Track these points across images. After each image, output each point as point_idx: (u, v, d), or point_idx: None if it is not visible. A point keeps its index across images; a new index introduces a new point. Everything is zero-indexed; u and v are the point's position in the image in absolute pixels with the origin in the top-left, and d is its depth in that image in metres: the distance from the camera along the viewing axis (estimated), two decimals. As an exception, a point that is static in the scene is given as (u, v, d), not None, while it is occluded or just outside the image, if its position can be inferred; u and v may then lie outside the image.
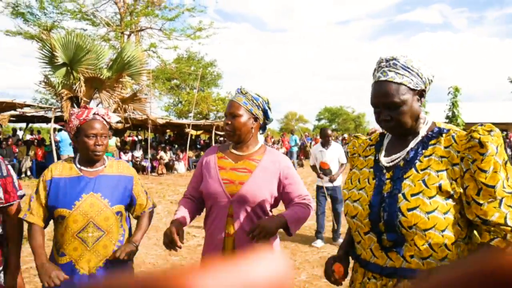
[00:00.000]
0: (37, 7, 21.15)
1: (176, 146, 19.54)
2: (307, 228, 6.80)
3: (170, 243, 2.00)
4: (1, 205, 2.27)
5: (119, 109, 12.27)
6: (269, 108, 2.24)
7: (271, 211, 2.24)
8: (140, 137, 23.79)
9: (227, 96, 30.76)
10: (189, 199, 2.38)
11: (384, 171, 1.65)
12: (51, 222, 2.36)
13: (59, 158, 12.82)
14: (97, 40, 20.45)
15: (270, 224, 1.94)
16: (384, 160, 1.68)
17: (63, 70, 12.83)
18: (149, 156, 16.18)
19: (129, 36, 22.94)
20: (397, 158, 1.63)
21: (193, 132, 20.13)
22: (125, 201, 2.32)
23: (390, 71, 1.54)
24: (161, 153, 16.78)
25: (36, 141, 16.92)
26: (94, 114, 2.25)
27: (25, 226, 2.36)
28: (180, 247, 2.01)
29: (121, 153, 15.80)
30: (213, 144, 18.51)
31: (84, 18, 22.58)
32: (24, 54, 71.33)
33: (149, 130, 17.01)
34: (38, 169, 14.91)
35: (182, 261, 5.16)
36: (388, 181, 1.61)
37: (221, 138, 23.09)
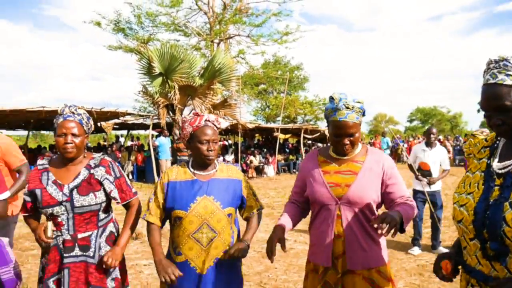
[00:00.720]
0: (135, 22, 22.73)
1: (265, 150, 19.78)
2: (403, 234, 6.46)
3: (270, 251, 2.08)
4: (123, 203, 2.49)
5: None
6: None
7: (377, 211, 2.23)
8: (230, 142, 24.47)
9: (315, 99, 30.55)
10: (294, 203, 2.45)
11: (495, 176, 1.57)
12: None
13: (157, 162, 13.58)
14: (189, 49, 21.43)
15: (396, 215, 1.88)
16: (496, 166, 1.59)
17: (160, 79, 13.59)
18: (240, 160, 16.57)
19: (218, 44, 23.74)
20: (510, 165, 1.54)
21: (282, 136, 20.25)
22: (235, 203, 2.40)
23: (500, 73, 1.48)
24: (251, 157, 17.10)
25: (136, 147, 18.14)
26: (206, 120, 2.36)
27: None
28: (284, 251, 2.13)
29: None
30: (302, 147, 18.47)
31: (176, 30, 23.80)
32: (124, 67, 77.08)
33: (239, 135, 17.42)
34: (139, 172, 15.96)
35: (276, 264, 5.16)
36: (497, 188, 1.53)
37: (309, 142, 22.95)
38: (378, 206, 2.24)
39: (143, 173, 15.73)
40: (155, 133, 16.58)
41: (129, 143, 21.68)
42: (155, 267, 2.25)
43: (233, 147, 20.15)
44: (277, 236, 2.12)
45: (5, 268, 2.44)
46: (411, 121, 60.89)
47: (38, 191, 2.35)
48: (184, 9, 23.39)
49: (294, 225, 2.34)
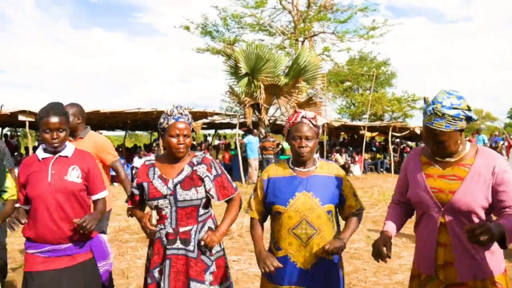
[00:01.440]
0: (222, 25, 23.44)
1: (351, 148, 19.35)
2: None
3: (377, 255, 2.03)
4: (224, 199, 2.57)
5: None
6: (470, 110, 1.93)
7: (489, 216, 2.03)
8: (314, 140, 24.22)
9: (403, 96, 29.27)
10: (397, 204, 2.35)
11: None
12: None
13: (244, 160, 13.84)
14: (274, 49, 21.62)
15: (494, 228, 1.70)
16: None
17: (245, 79, 13.87)
18: (325, 158, 16.32)
19: (303, 42, 23.67)
20: None
21: (368, 134, 19.67)
22: (335, 200, 2.38)
23: None
24: (336, 156, 16.81)
25: (223, 145, 18.71)
26: (302, 117, 2.36)
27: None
28: (389, 257, 2.03)
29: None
30: (390, 146, 17.77)
31: (261, 30, 24.16)
32: (210, 69, 79.86)
33: (324, 133, 17.22)
34: (226, 170, 16.38)
35: (365, 265, 5.01)
36: None
37: (397, 140, 22.03)
38: (488, 213, 2.01)
39: (230, 171, 16.10)
40: (241, 132, 16.94)
41: (216, 142, 22.42)
42: (256, 258, 2.32)
43: (318, 146, 19.95)
44: (384, 240, 2.05)
45: (103, 262, 2.70)
46: (511, 117, 55.95)
47: (145, 184, 2.51)
48: (268, 9, 23.65)
49: (398, 229, 2.24)
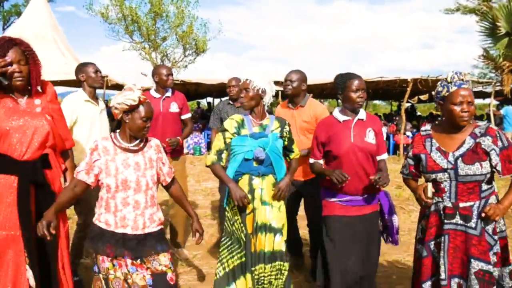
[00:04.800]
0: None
1: None
2: None
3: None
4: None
5: None
6: None
7: None
8: None
9: None
10: None
11: None
12: None
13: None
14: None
15: None
16: None
17: (505, 40, 11.95)
18: None
19: None
20: None
21: None
22: None
23: None
24: None
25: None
26: None
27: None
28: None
29: None
30: None
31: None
32: (458, 31, 72.28)
33: None
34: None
35: None
36: None
37: None
38: None
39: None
40: (496, 102, 14.89)
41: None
42: None
43: None
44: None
45: (391, 216, 2.94)
46: None
47: (423, 156, 2.47)
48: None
49: None
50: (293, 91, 3.68)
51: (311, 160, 3.01)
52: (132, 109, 2.33)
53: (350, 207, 2.84)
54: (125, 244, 2.33)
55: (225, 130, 2.83)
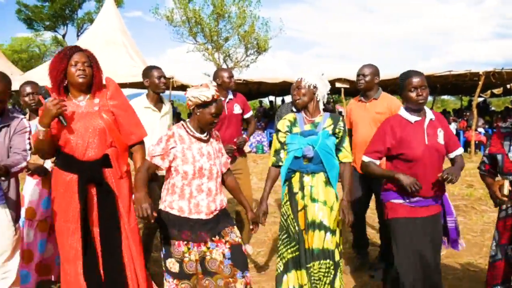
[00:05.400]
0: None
1: None
2: None
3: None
4: None
5: None
6: None
7: None
8: None
9: None
10: None
11: None
12: None
13: None
14: None
15: None
16: None
17: None
18: None
19: None
20: None
21: None
22: None
23: None
24: None
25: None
26: None
27: None
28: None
29: None
30: None
31: None
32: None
33: None
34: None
35: None
36: None
37: None
38: None
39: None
40: None
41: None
42: None
43: None
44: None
45: (451, 217, 2.78)
46: None
47: (499, 156, 2.42)
48: None
49: None
50: (366, 85, 3.71)
51: (366, 159, 2.79)
52: (205, 104, 2.47)
53: (418, 208, 2.68)
54: (201, 227, 2.51)
55: (278, 130, 2.91)
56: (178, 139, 2.51)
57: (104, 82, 2.71)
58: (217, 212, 2.58)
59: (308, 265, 2.72)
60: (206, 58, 22.24)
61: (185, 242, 2.50)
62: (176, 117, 14.96)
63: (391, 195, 2.74)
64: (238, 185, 2.85)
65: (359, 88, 3.77)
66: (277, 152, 2.90)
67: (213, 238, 2.54)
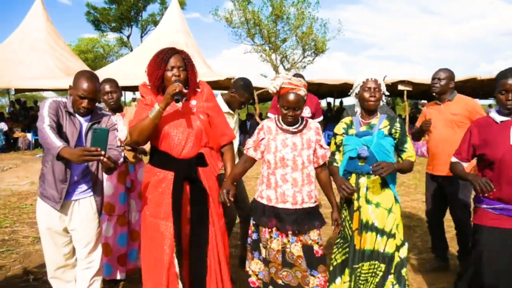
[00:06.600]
0: None
1: None
2: None
3: None
4: None
5: None
6: None
7: None
8: None
9: None
10: None
11: None
12: None
13: None
14: None
15: None
16: None
17: None
18: None
19: None
20: None
21: None
22: None
23: None
24: None
25: None
26: None
27: None
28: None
29: None
30: None
31: None
32: None
33: None
34: None
35: None
36: None
37: None
38: None
39: None
40: None
41: None
42: None
43: None
44: None
45: None
46: None
47: None
48: None
49: None
50: (440, 89, 3.68)
51: (454, 159, 2.76)
52: (279, 95, 2.58)
53: (505, 218, 2.47)
54: (288, 217, 2.57)
55: (335, 134, 2.93)
56: (266, 131, 2.66)
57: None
58: (305, 204, 2.61)
59: (356, 266, 2.71)
60: (263, 59, 22.41)
61: (269, 230, 2.61)
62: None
63: (477, 199, 2.64)
64: (330, 181, 2.83)
65: (433, 91, 3.74)
66: (332, 154, 2.90)
67: (295, 232, 2.59)
